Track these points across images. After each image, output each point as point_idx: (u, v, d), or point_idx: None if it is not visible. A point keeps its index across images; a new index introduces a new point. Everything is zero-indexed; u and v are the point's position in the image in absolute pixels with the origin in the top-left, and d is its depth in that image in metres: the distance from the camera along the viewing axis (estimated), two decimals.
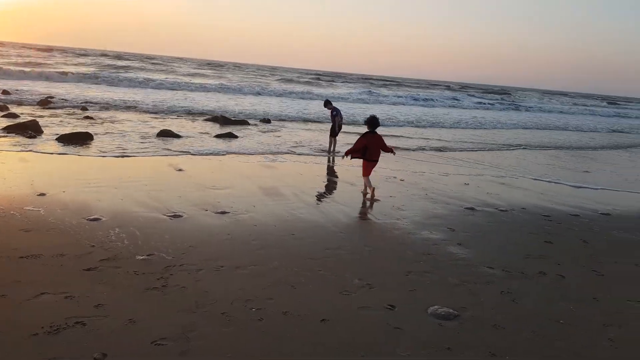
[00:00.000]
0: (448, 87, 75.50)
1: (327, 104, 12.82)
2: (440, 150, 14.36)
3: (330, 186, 8.80)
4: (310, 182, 8.88)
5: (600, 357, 3.44)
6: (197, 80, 37.44)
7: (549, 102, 58.01)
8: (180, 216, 6.04)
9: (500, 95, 61.72)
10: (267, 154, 11.30)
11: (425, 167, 11.21)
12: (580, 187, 10.04)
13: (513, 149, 16.46)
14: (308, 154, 11.77)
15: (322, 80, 57.56)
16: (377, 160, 7.93)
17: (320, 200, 7.52)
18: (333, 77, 71.34)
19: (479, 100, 47.42)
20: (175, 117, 17.24)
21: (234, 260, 4.70)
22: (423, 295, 4.19)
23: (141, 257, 4.67)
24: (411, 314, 3.83)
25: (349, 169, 10.35)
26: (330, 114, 12.53)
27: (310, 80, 55.56)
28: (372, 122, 7.84)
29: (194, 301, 3.85)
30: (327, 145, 12.47)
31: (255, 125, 16.85)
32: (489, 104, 44.17)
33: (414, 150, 14.02)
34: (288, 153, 11.62)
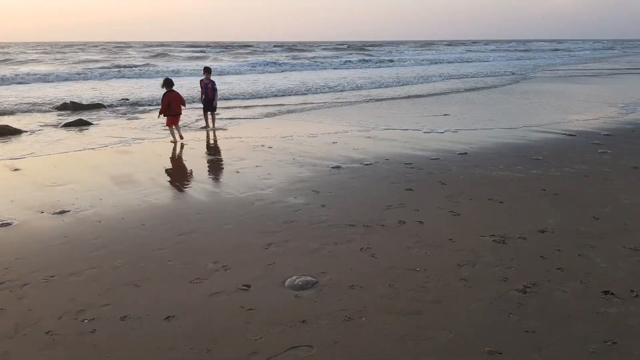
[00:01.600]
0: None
1: (207, 71, 11.70)
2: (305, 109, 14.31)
3: (193, 164, 8.25)
4: (170, 164, 8.28)
5: (453, 298, 3.48)
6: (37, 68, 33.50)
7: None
8: (9, 224, 5.19)
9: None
10: (122, 138, 10.33)
11: (294, 128, 11.04)
12: (441, 131, 10.55)
13: (375, 101, 16.96)
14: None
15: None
16: (180, 113, 10.04)
17: (179, 182, 6.99)
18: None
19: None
20: (20, 112, 15.14)
21: (67, 266, 4.10)
22: (281, 267, 3.98)
23: None
24: (267, 291, 3.60)
25: (213, 143, 9.85)
26: (202, 85, 11.47)
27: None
28: (169, 82, 10.05)
29: (13, 324, 3.26)
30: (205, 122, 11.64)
31: (112, 107, 15.43)
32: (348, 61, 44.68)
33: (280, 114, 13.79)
34: (146, 136, 10.65)
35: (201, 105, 11.74)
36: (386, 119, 12.61)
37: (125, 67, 32.23)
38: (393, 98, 17.94)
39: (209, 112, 11.51)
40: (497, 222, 4.97)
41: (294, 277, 3.74)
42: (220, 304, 3.44)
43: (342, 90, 20.66)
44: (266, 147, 9.03)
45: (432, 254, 4.20)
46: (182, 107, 10.17)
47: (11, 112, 14.16)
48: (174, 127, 9.90)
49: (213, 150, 9.31)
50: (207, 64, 31.83)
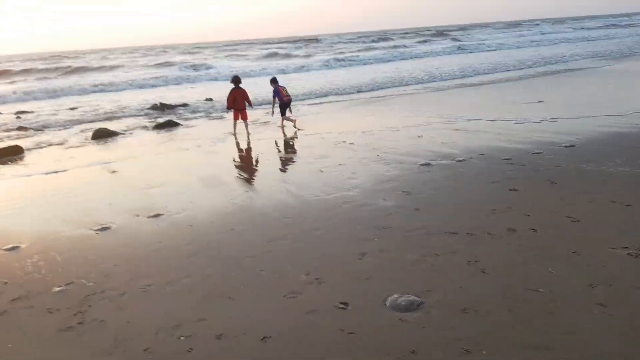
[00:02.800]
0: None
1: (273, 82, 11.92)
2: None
3: (276, 164, 8.17)
4: (253, 163, 8.28)
5: (589, 329, 2.93)
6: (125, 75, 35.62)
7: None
8: (108, 228, 5.37)
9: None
10: (208, 137, 10.56)
11: (373, 122, 10.64)
12: (539, 121, 9.66)
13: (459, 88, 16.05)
14: (255, 131, 11.07)
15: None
16: (243, 109, 10.67)
17: (263, 183, 6.92)
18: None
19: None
20: (113, 113, 16.09)
21: (163, 275, 4.10)
22: (380, 283, 3.68)
23: (58, 289, 4.03)
24: (367, 311, 3.32)
25: (293, 141, 9.73)
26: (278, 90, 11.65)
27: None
28: (236, 79, 10.88)
29: (113, 338, 3.27)
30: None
31: (197, 106, 15.92)
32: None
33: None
34: (229, 136, 10.76)
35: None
36: (472, 108, 11.84)
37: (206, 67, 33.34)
38: (478, 84, 16.92)
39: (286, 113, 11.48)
40: (629, 231, 4.28)
41: (395, 296, 3.42)
42: (317, 324, 3.21)
43: (431, 81, 19.87)
44: (347, 144, 8.76)
45: (555, 271, 3.67)
46: (248, 106, 10.86)
47: (108, 117, 15.05)
48: (237, 121, 10.68)
49: (294, 148, 9.19)
50: (297, 60, 32.32)
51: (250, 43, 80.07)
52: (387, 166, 7.01)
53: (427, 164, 6.93)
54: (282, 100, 11.21)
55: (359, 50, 41.72)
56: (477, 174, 6.33)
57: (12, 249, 4.98)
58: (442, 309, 3.24)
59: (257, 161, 8.41)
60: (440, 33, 64.06)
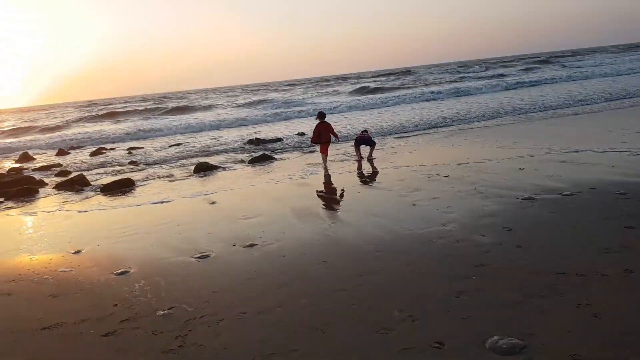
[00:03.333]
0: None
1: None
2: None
3: (367, 196, 8.15)
4: (342, 195, 8.32)
5: None
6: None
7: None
8: (207, 256, 5.65)
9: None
10: (300, 170, 10.86)
11: (468, 154, 10.29)
12: None
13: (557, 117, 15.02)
14: (342, 162, 11.21)
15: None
16: (328, 142, 11.06)
17: (354, 215, 6.89)
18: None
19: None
20: (212, 148, 17.19)
21: (257, 303, 4.20)
22: (479, 322, 3.47)
23: (162, 312, 4.29)
24: (465, 352, 3.13)
25: (384, 173, 9.65)
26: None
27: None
28: (321, 114, 11.42)
29: None
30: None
31: (290, 141, 16.50)
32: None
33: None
34: (319, 168, 10.98)
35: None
36: (579, 138, 11.01)
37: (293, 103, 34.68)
38: (585, 113, 15.77)
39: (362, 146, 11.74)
40: None
41: (496, 338, 3.20)
42: None
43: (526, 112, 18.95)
44: (442, 176, 8.52)
45: None
46: (334, 138, 11.27)
47: (207, 152, 16.11)
48: (323, 155, 11.01)
49: (385, 180, 9.10)
50: (389, 94, 32.61)
51: (342, 78, 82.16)
52: (486, 200, 6.70)
53: (530, 199, 6.51)
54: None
55: (452, 82, 41.06)
56: (588, 209, 5.82)
57: (122, 273, 5.41)
58: (548, 355, 2.97)
59: (347, 193, 8.46)
60: (545, 60, 61.01)
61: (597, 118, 14.76)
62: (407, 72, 72.15)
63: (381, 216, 6.60)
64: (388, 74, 75.92)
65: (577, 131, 12.60)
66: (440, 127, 16.28)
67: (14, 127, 35.12)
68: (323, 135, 11.08)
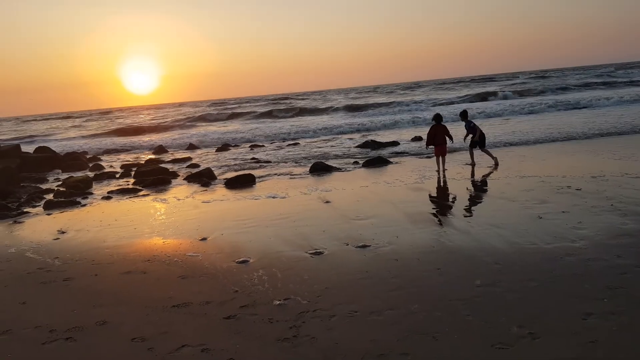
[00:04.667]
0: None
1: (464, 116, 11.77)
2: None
3: (488, 204, 7.77)
4: (460, 202, 8.02)
5: None
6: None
7: None
8: (321, 253, 5.84)
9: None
10: (416, 174, 10.69)
11: (603, 165, 9.32)
12: None
13: None
14: (459, 166, 10.81)
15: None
16: (442, 144, 10.78)
17: (472, 223, 6.62)
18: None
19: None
20: (332, 144, 17.60)
21: (369, 303, 4.25)
22: (607, 349, 3.15)
23: (278, 302, 4.52)
24: None
25: (507, 182, 9.10)
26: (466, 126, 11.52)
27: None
28: (436, 117, 11.20)
29: (322, 356, 3.50)
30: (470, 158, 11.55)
31: (406, 144, 16.31)
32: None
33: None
34: (435, 174, 10.73)
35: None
36: None
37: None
38: None
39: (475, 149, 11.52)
40: None
41: None
42: None
43: None
44: (573, 189, 7.84)
45: None
46: (449, 140, 10.96)
47: (324, 153, 16.55)
48: (440, 157, 10.75)
49: (508, 190, 8.59)
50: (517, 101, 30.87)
51: (456, 81, 79.12)
52: (624, 218, 6.05)
53: None
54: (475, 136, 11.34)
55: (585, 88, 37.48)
56: None
57: (243, 262, 5.79)
58: None
59: (465, 201, 8.16)
60: None
61: None
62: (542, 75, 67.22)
63: (502, 227, 6.26)
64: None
65: None
66: (574, 138, 14.97)
67: (150, 125, 39.23)
68: (437, 138, 10.85)
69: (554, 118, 20.96)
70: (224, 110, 55.10)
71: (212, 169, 13.54)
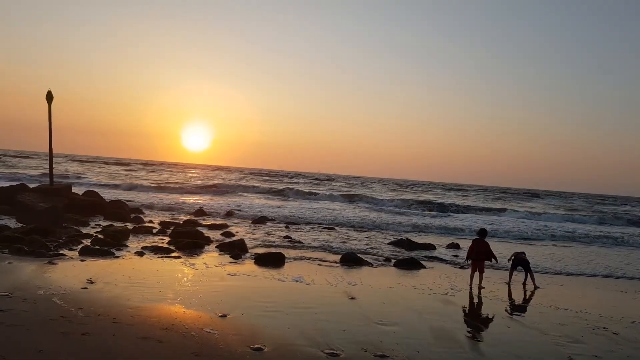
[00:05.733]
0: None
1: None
2: None
3: (513, 332, 7.44)
4: (489, 325, 7.71)
5: None
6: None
7: None
8: (337, 355, 5.70)
9: None
10: (449, 285, 10.43)
11: None
12: None
13: None
14: (494, 285, 10.48)
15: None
16: (481, 260, 10.59)
17: (498, 351, 6.33)
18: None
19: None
20: (365, 238, 17.57)
21: None
22: None
23: None
24: None
25: (540, 311, 8.72)
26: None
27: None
28: (480, 232, 11.12)
29: None
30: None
31: (442, 250, 16.07)
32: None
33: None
34: (468, 284, 10.48)
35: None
36: None
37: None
38: None
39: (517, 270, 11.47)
40: None
41: None
42: None
43: None
44: (610, 332, 7.44)
45: None
46: (489, 260, 10.70)
47: (359, 246, 16.48)
48: (475, 273, 10.63)
49: (541, 320, 8.23)
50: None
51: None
52: None
53: None
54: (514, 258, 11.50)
55: None
56: None
57: (258, 349, 5.72)
58: None
59: (494, 325, 7.85)
60: None
61: None
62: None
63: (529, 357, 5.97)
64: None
65: None
66: (614, 276, 14.37)
67: (195, 185, 40.62)
68: (477, 252, 10.67)
69: (598, 249, 20.27)
70: (266, 180, 56.54)
71: (246, 240, 13.74)
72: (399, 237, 17.46)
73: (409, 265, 12.59)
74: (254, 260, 11.59)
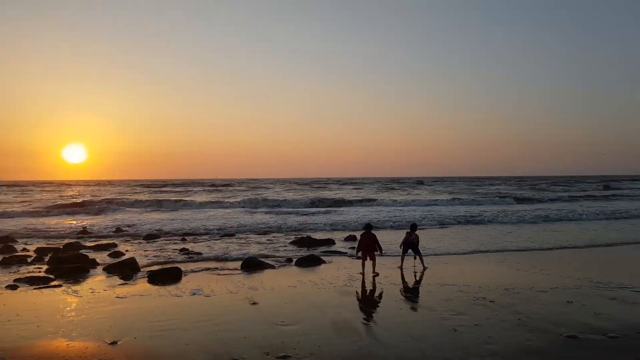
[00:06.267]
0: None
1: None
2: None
3: (405, 313, 7.96)
4: (384, 310, 8.16)
5: None
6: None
7: None
8: None
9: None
10: (347, 277, 10.83)
11: (517, 278, 9.94)
12: None
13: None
14: (387, 271, 11.12)
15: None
16: (370, 250, 11.37)
17: (393, 334, 6.73)
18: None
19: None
20: (266, 241, 17.55)
21: None
22: None
23: None
24: None
25: (429, 290, 9.44)
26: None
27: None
28: (366, 226, 11.98)
29: None
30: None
31: (341, 244, 16.62)
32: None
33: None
34: (366, 278, 11.00)
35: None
36: (637, 273, 10.45)
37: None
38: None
39: (408, 254, 12.21)
40: None
41: None
42: None
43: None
44: (488, 301, 8.26)
45: None
46: (377, 250, 11.42)
47: (258, 248, 16.41)
48: (367, 262, 11.29)
49: (430, 299, 8.88)
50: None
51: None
52: (529, 334, 6.41)
53: (574, 337, 6.20)
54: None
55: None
56: (633, 356, 5.43)
57: None
58: None
59: (389, 310, 8.29)
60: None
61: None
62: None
63: (421, 340, 6.40)
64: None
65: (632, 265, 11.96)
66: (489, 251, 15.95)
67: (75, 202, 37.54)
68: (365, 244, 11.36)
69: (472, 227, 22.32)
70: (158, 191, 54.06)
71: (138, 258, 13.01)
72: (300, 236, 17.70)
73: (310, 262, 12.85)
74: (147, 279, 11.01)
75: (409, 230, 12.31)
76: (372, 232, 11.64)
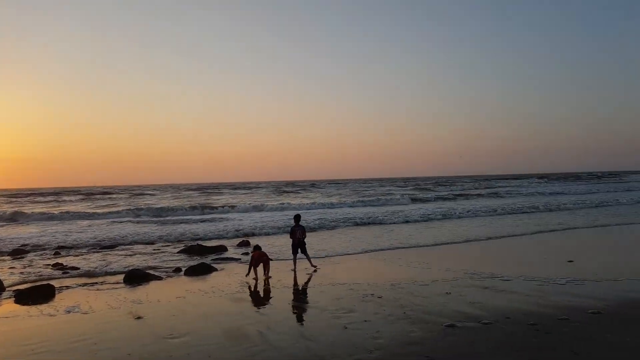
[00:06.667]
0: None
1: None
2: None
3: (298, 314, 8.09)
4: (277, 313, 8.19)
5: None
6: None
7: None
8: None
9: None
10: (239, 284, 10.68)
11: (402, 274, 10.63)
12: (562, 283, 9.41)
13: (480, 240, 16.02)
14: (281, 274, 11.19)
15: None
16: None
17: (286, 337, 6.79)
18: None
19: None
20: (152, 251, 16.66)
21: None
22: None
23: None
24: None
25: (321, 290, 9.69)
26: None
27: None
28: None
29: None
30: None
31: (232, 250, 16.35)
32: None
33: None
34: (259, 283, 10.98)
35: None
36: (504, 264, 11.73)
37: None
38: (510, 235, 16.89)
39: (298, 254, 12.40)
40: None
41: None
42: None
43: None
44: (376, 297, 8.68)
45: None
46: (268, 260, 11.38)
47: (144, 259, 15.54)
48: (258, 267, 11.20)
49: (321, 299, 9.09)
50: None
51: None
52: (413, 326, 6.86)
53: (452, 326, 6.75)
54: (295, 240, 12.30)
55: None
56: (502, 341, 6.11)
57: None
58: None
59: (282, 312, 8.34)
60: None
61: (526, 243, 15.80)
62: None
63: (312, 340, 6.54)
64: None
65: (504, 256, 13.40)
66: (375, 250, 16.79)
67: None
68: (258, 257, 11.33)
69: (359, 229, 23.34)
70: (23, 204, 48.88)
71: (2, 277, 11.59)
72: (190, 244, 17.08)
73: (200, 271, 12.44)
74: (14, 299, 9.86)
75: (294, 224, 12.37)
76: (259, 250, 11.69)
